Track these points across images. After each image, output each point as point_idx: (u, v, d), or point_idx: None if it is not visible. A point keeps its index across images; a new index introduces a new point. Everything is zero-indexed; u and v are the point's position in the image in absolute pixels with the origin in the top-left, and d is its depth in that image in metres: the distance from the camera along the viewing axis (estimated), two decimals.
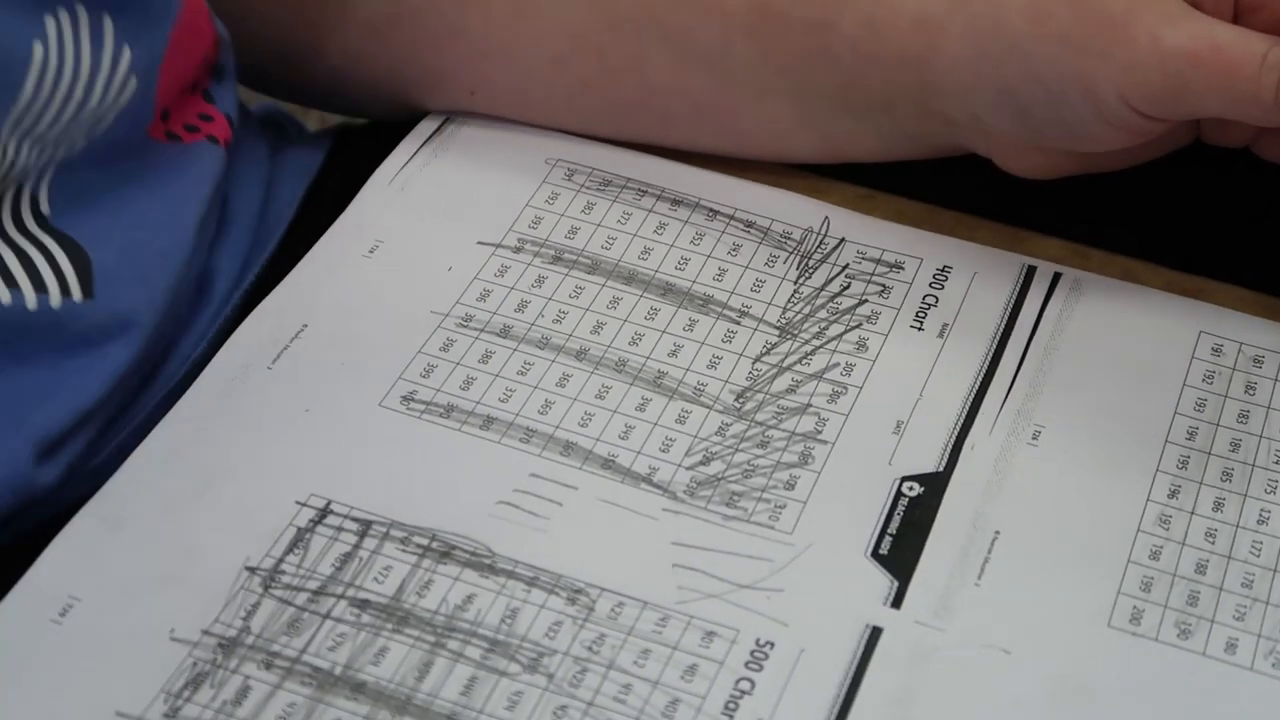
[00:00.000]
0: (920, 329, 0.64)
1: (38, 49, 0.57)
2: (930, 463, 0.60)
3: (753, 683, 0.54)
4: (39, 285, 0.59)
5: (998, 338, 0.63)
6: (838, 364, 0.63)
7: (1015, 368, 0.63)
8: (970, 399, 0.62)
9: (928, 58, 0.63)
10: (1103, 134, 0.61)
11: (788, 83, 0.66)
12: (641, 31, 0.66)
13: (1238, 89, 0.57)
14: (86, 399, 0.60)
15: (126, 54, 0.60)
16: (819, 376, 0.62)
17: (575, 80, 0.68)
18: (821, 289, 0.65)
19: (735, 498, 0.59)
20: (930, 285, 0.65)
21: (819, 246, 0.66)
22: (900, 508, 0.58)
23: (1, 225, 0.59)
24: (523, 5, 0.67)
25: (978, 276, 0.65)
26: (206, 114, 0.68)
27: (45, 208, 0.61)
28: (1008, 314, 0.64)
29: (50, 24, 0.57)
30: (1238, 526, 0.58)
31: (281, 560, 0.56)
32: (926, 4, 0.62)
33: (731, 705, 0.53)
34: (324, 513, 0.58)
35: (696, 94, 0.67)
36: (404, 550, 0.57)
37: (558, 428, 0.60)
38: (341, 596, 0.56)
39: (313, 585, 0.56)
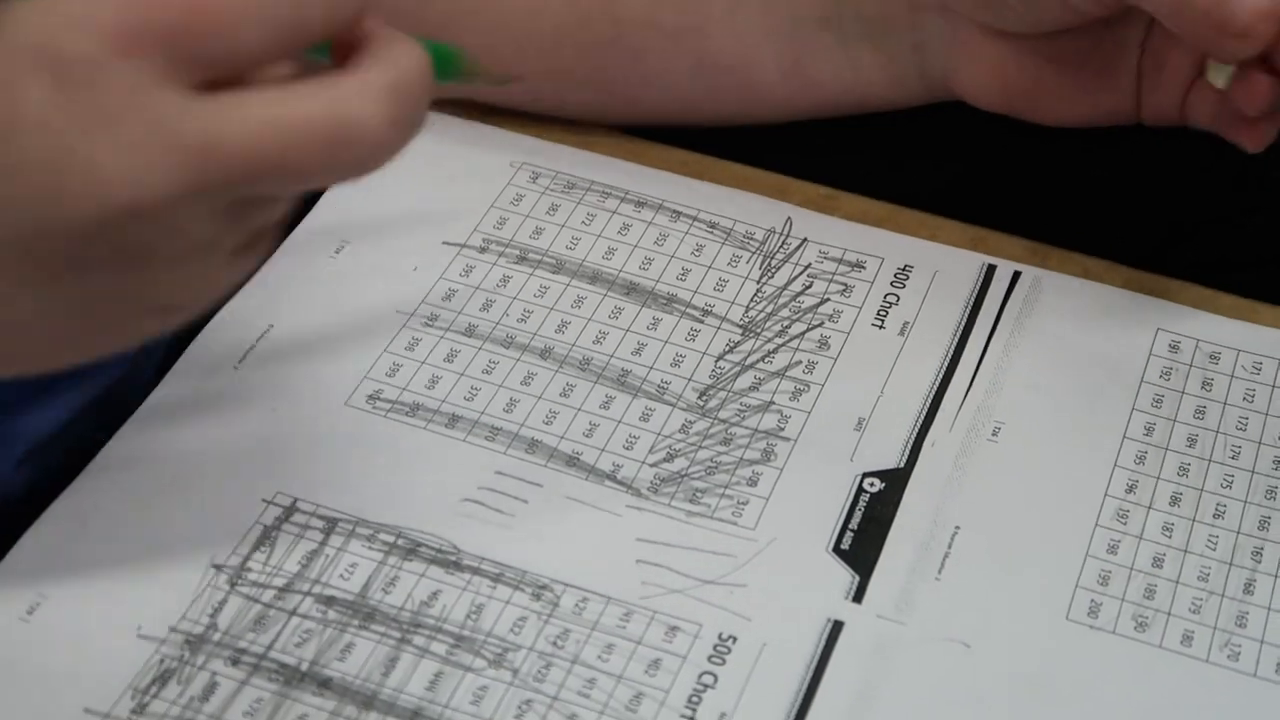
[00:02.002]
0: (881, 327, 0.64)
1: None
2: (891, 459, 0.60)
3: (716, 677, 0.54)
4: None
5: (958, 336, 0.64)
6: (800, 362, 0.63)
7: (975, 365, 0.63)
8: (931, 396, 0.62)
9: None
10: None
11: None
12: None
13: None
14: (72, 410, 0.61)
15: None
16: (781, 374, 0.63)
17: (549, 28, 0.69)
18: (784, 288, 0.66)
19: (698, 494, 0.59)
20: (891, 284, 0.66)
21: (781, 246, 0.67)
22: (861, 503, 0.59)
23: None
24: None
25: (938, 275, 0.66)
26: None
27: None
28: (968, 312, 0.65)
29: None
30: (1194, 521, 0.59)
31: (248, 558, 0.57)
32: None
33: (695, 699, 0.54)
34: (290, 510, 0.58)
35: (667, 22, 0.68)
36: (370, 547, 0.57)
37: (522, 426, 0.61)
38: (308, 593, 0.56)
39: (279, 582, 0.56)
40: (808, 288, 0.66)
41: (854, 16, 0.66)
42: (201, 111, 0.44)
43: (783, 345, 0.64)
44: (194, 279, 0.49)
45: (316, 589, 0.56)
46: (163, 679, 0.54)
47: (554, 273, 0.66)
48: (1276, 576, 0.57)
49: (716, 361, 0.63)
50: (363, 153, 0.46)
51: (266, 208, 0.48)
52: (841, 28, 0.67)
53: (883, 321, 0.65)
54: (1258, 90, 0.60)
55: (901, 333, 0.64)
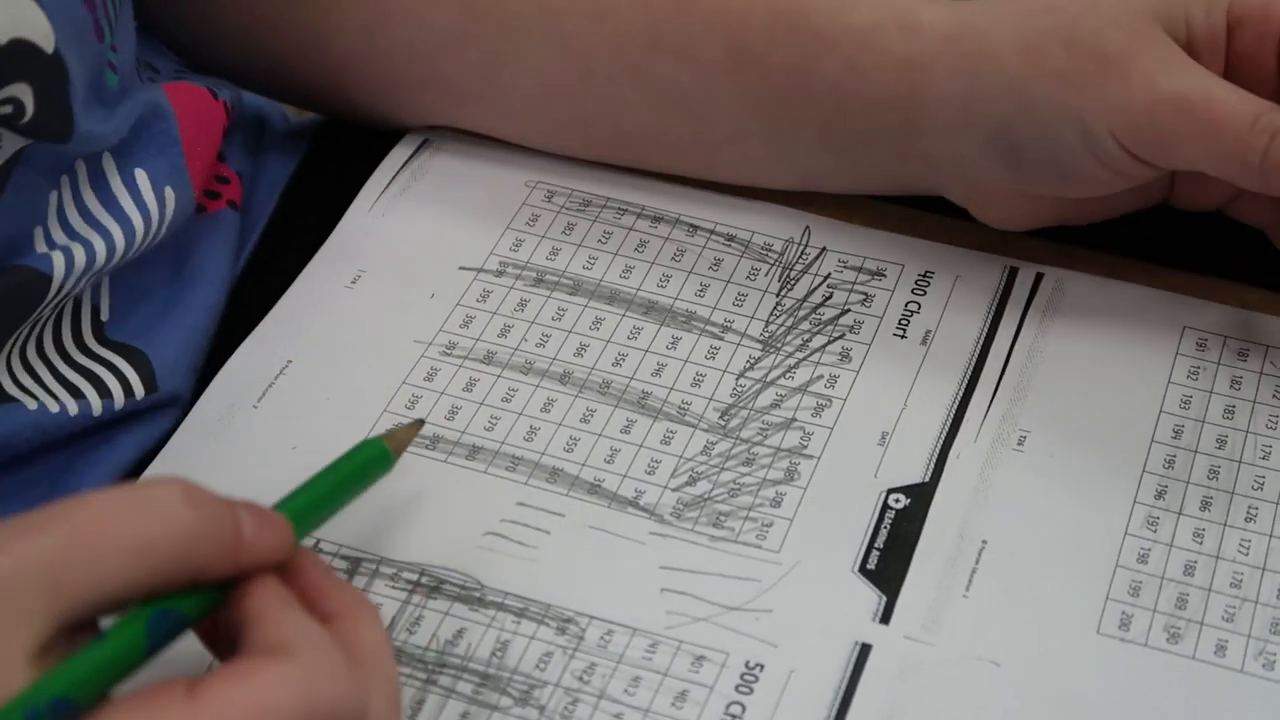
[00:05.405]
0: (903, 337, 0.64)
1: (52, 197, 0.60)
2: (916, 474, 0.60)
3: (744, 706, 0.54)
4: (104, 394, 0.61)
5: (981, 342, 0.63)
6: (821, 376, 0.63)
7: (999, 372, 0.62)
8: (955, 406, 0.62)
9: (917, 98, 0.62)
10: (1095, 174, 0.60)
11: (766, 123, 0.65)
12: (616, 80, 0.66)
13: (1225, 145, 0.57)
14: (128, 463, 0.62)
15: (169, 192, 0.63)
16: (803, 390, 0.62)
17: (550, 124, 0.68)
18: (804, 300, 0.65)
19: (722, 518, 0.59)
20: (912, 291, 0.65)
21: (800, 257, 0.66)
22: (887, 521, 0.58)
23: (64, 348, 0.61)
24: (496, 53, 0.67)
25: (960, 280, 0.65)
26: (223, 175, 0.69)
27: (105, 314, 0.63)
28: (991, 317, 0.64)
29: (64, 179, 0.60)
30: (1225, 525, 0.58)
31: None
32: (912, 45, 0.61)
33: None
34: (314, 550, 0.58)
35: (672, 134, 0.67)
36: (394, 586, 0.57)
37: (543, 454, 0.61)
38: None
39: None
40: (828, 299, 0.65)
41: (868, 159, 0.65)
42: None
43: (804, 359, 0.63)
44: None
45: None
46: None
47: (571, 294, 0.65)
48: None
49: (737, 379, 0.63)
50: None
51: None
52: (854, 162, 0.65)
53: (904, 330, 0.64)
54: None
55: (924, 341, 0.64)
